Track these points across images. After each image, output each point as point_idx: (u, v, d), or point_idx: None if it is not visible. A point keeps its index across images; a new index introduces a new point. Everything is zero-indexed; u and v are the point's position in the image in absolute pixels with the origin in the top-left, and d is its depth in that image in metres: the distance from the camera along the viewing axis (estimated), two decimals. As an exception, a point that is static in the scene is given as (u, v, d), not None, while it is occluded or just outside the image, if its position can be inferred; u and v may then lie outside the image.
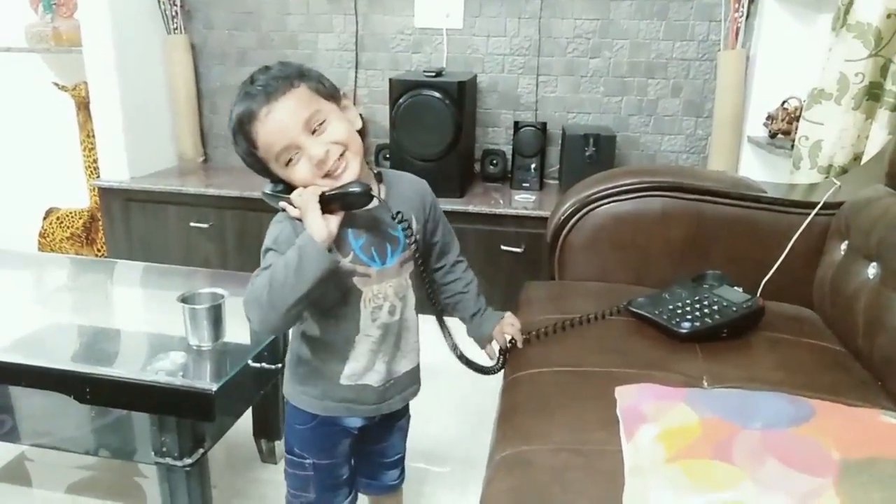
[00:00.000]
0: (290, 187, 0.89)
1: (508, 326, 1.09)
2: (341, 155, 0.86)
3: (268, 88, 0.84)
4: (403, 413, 1.07)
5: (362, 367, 0.94)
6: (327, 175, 0.85)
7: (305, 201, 0.84)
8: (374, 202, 0.88)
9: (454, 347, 1.03)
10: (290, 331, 0.98)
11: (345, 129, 0.87)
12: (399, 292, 0.94)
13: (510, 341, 1.09)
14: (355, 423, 0.99)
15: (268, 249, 0.88)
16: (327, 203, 0.84)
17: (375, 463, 1.09)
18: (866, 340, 1.10)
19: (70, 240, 2.62)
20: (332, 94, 0.89)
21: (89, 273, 1.68)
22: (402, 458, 1.12)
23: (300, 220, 0.86)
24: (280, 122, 0.83)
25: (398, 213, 0.92)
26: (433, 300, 1.03)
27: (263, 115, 0.83)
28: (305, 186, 0.86)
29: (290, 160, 0.85)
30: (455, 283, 1.06)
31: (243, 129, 0.85)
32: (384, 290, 0.92)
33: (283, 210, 0.89)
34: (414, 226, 0.95)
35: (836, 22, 1.57)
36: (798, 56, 2.03)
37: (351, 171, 0.86)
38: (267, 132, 0.84)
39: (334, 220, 0.84)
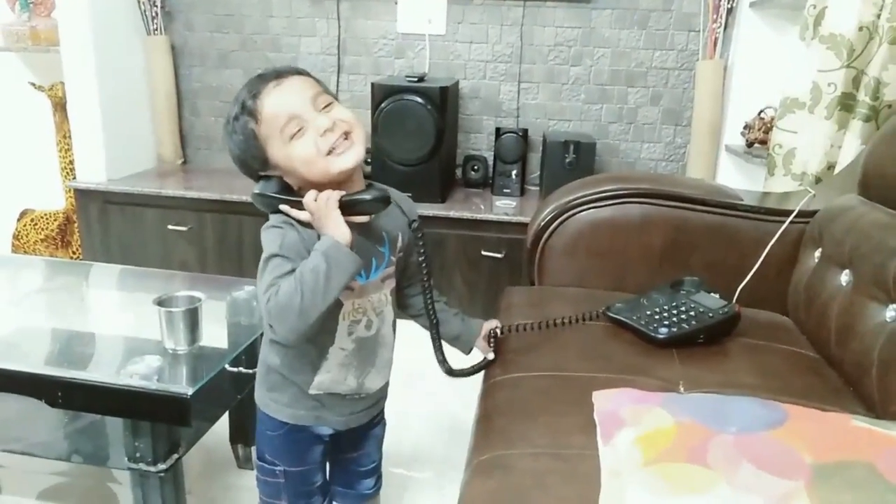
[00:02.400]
0: (284, 189, 0.87)
1: (494, 322, 1.12)
2: (347, 136, 0.85)
3: (277, 71, 0.87)
4: (378, 421, 1.07)
5: (331, 379, 0.94)
6: (330, 153, 0.84)
7: (323, 206, 0.83)
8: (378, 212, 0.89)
9: (443, 361, 1.03)
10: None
11: (350, 114, 0.87)
12: (377, 308, 0.94)
13: (499, 331, 1.11)
14: (326, 430, 0.98)
15: (273, 255, 0.84)
16: (342, 208, 0.83)
17: (351, 472, 1.08)
18: (839, 347, 1.11)
19: (44, 242, 2.58)
20: (334, 95, 0.90)
21: (64, 275, 1.65)
22: (378, 467, 1.11)
23: (303, 223, 0.85)
24: (288, 92, 0.85)
25: (413, 221, 0.93)
26: (430, 314, 1.02)
27: (272, 87, 0.85)
28: (306, 163, 0.84)
29: (293, 134, 0.84)
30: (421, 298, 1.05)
31: (247, 107, 0.85)
32: (364, 304, 0.92)
33: (279, 213, 0.87)
34: (399, 244, 0.95)
35: (804, 31, 1.60)
36: (775, 67, 2.06)
37: (355, 153, 0.86)
38: (274, 102, 0.84)
39: (346, 225, 0.84)
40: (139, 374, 1.08)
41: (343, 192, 0.84)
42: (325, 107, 0.86)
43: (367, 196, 0.85)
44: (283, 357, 0.93)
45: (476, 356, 1.11)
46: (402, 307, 1.05)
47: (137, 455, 1.10)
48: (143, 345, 1.21)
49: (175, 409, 1.04)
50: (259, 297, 0.84)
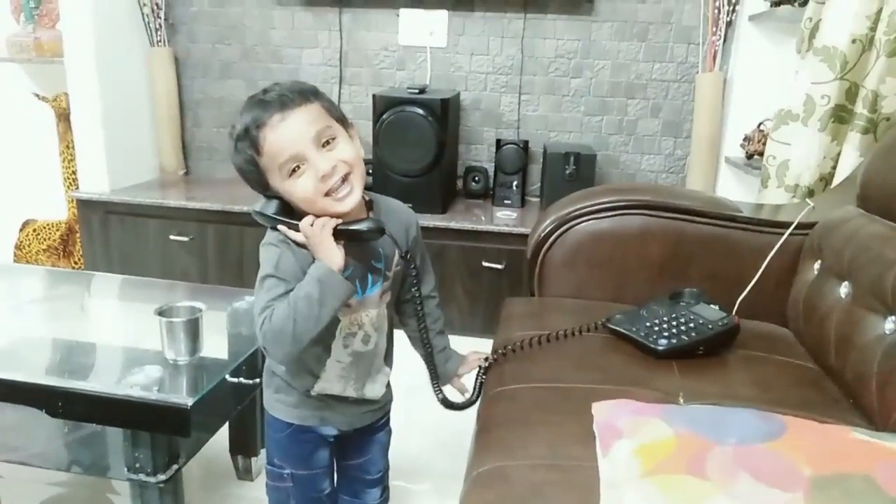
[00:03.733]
0: (284, 207, 0.88)
1: (475, 359, 1.10)
2: (346, 178, 0.85)
3: (283, 98, 0.84)
4: (382, 425, 1.07)
5: (331, 388, 0.96)
6: (328, 194, 0.85)
7: (319, 232, 0.84)
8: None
9: (438, 391, 1.05)
10: None
11: (353, 151, 0.87)
12: (376, 323, 0.95)
13: (485, 362, 1.10)
14: (331, 431, 0.99)
15: (269, 276, 0.86)
16: (337, 235, 0.85)
17: (357, 480, 1.09)
18: (838, 358, 1.11)
19: (46, 252, 2.58)
20: (341, 118, 0.89)
21: (65, 285, 1.65)
22: (384, 477, 1.11)
23: (299, 244, 0.86)
24: (292, 130, 0.83)
25: (406, 252, 0.94)
26: (424, 337, 1.02)
27: (276, 121, 0.83)
28: (306, 202, 0.85)
29: (293, 171, 0.84)
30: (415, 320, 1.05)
31: (250, 135, 0.84)
32: (360, 318, 0.93)
33: (276, 230, 0.88)
34: (395, 260, 0.96)
35: (800, 44, 1.62)
36: (774, 79, 2.07)
37: (354, 197, 0.86)
38: (276, 139, 0.83)
39: (341, 250, 0.85)
40: (139, 384, 1.09)
41: (339, 220, 0.86)
42: (328, 143, 0.85)
43: (362, 227, 0.86)
44: (286, 367, 0.95)
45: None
46: (400, 324, 1.06)
47: (137, 465, 1.10)
48: (143, 355, 1.21)
49: (175, 419, 1.04)
50: (255, 317, 0.85)
